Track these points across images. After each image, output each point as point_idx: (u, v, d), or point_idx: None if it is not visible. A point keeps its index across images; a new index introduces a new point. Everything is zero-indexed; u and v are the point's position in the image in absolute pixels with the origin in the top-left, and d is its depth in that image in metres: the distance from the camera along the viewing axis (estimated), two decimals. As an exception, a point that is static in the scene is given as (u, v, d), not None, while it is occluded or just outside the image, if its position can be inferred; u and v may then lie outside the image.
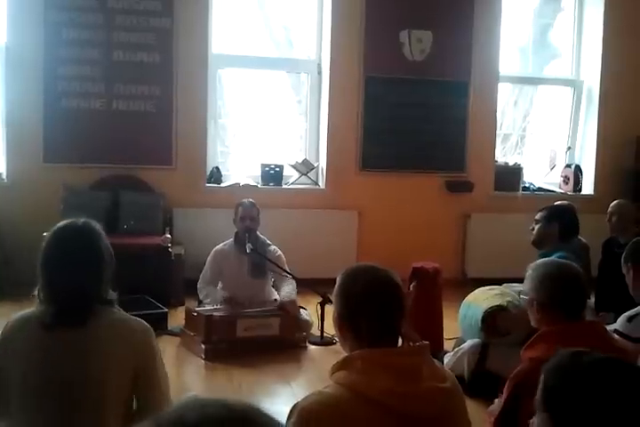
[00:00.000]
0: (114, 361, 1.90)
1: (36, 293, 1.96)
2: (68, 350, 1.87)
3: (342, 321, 1.73)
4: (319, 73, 6.40)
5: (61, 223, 2.00)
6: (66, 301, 1.90)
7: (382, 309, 1.69)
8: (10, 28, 5.60)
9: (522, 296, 2.50)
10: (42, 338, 1.88)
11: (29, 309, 2.00)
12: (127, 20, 5.76)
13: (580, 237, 4.15)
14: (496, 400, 2.39)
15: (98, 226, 2.03)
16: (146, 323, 2.02)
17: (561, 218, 3.86)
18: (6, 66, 5.65)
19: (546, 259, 2.60)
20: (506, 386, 2.21)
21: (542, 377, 1.36)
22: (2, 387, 1.89)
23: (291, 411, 1.58)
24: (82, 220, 2.01)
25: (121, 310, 2.03)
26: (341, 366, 1.64)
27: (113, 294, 2.02)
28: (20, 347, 1.89)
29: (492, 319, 3.48)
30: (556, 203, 4.34)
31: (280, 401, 3.48)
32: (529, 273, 2.38)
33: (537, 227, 3.86)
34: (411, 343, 1.70)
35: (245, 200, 4.64)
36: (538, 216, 3.90)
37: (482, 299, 3.65)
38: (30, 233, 5.22)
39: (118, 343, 1.91)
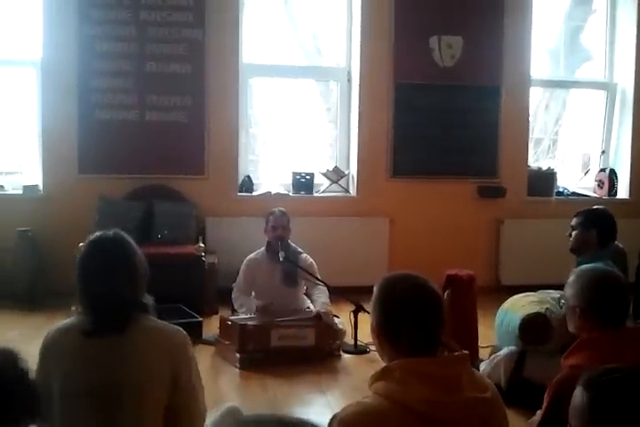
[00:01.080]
0: (152, 365, 1.95)
1: (74, 307, 2.02)
2: (107, 356, 1.93)
3: (381, 330, 1.72)
4: (349, 80, 6.41)
5: (93, 235, 2.10)
6: (104, 308, 1.97)
7: (422, 318, 1.68)
8: (45, 42, 5.72)
9: (562, 302, 2.47)
10: (82, 345, 1.94)
11: (69, 319, 2.06)
12: (159, 32, 5.83)
13: (616, 242, 4.07)
14: (538, 412, 2.35)
15: (127, 235, 2.12)
16: (182, 329, 2.08)
17: (599, 223, 3.76)
18: (42, 79, 5.76)
19: (589, 265, 2.56)
20: (546, 394, 2.18)
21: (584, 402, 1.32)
22: (43, 395, 1.93)
23: (330, 422, 1.57)
24: (112, 231, 2.11)
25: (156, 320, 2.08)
26: (380, 376, 1.63)
27: (149, 299, 2.08)
28: (61, 355, 1.96)
29: (530, 326, 3.43)
30: (590, 207, 4.22)
31: (315, 411, 3.47)
32: (571, 279, 2.35)
33: (574, 233, 3.75)
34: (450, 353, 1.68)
35: (276, 209, 4.66)
36: (574, 222, 3.81)
37: (519, 306, 3.60)
38: (66, 244, 5.31)
39: (155, 349, 1.97)
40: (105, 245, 2.07)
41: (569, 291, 2.35)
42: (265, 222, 4.63)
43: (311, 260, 4.63)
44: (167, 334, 2.03)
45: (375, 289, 1.77)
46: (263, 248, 4.64)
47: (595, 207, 4.07)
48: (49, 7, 5.69)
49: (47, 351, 1.99)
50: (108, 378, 1.91)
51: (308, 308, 4.58)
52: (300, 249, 4.66)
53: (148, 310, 2.05)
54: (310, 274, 4.52)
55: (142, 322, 2.00)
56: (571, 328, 2.37)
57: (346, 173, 6.36)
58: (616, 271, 2.42)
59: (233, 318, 4.34)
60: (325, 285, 4.56)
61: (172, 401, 1.98)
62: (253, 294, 4.63)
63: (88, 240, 2.09)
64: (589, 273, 2.35)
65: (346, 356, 4.31)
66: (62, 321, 2.07)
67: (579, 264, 3.51)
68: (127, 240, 2.09)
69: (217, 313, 4.97)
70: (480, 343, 4.05)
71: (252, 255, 4.67)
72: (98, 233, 2.10)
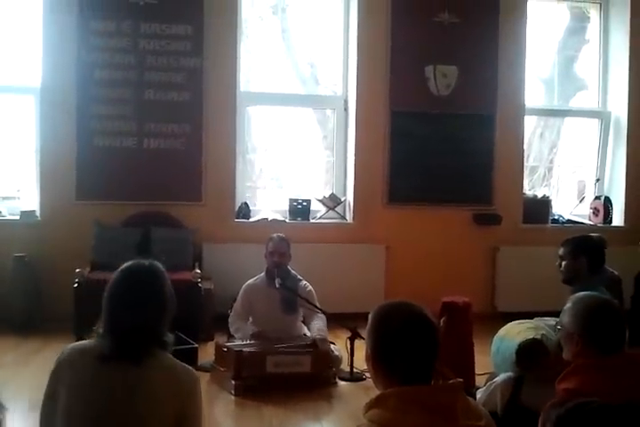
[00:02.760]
0: (159, 402, 1.93)
1: (95, 327, 2.02)
2: (117, 384, 1.91)
3: (375, 358, 1.73)
4: (345, 109, 6.48)
5: (129, 262, 2.07)
6: (125, 336, 1.95)
7: (417, 347, 1.68)
8: (44, 69, 5.78)
9: (558, 327, 2.48)
10: (95, 369, 1.93)
11: (88, 340, 2.05)
12: (158, 61, 5.91)
13: (611, 269, 4.08)
14: None
15: (162, 268, 2.09)
16: (195, 372, 2.06)
17: (586, 251, 3.77)
18: (41, 106, 5.82)
19: (584, 293, 2.58)
20: (540, 419, 2.18)
21: None
22: (50, 413, 1.95)
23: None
24: (148, 261, 2.08)
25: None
26: (374, 404, 1.63)
27: (170, 337, 2.05)
28: (72, 376, 1.94)
29: (527, 352, 3.42)
30: (575, 236, 4.20)
31: (311, 439, 3.45)
32: (568, 306, 2.36)
33: (564, 264, 3.75)
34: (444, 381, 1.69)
35: (275, 235, 4.66)
36: (561, 252, 3.79)
37: (515, 332, 3.59)
38: (63, 270, 5.32)
39: (166, 388, 1.94)
40: (140, 274, 2.04)
41: (565, 318, 2.36)
42: (265, 248, 4.64)
43: (310, 287, 4.62)
44: (180, 375, 1.99)
45: (370, 317, 1.78)
46: (263, 274, 4.64)
47: (580, 235, 4.06)
48: (49, 34, 5.77)
49: (60, 368, 1.97)
50: (114, 407, 1.89)
51: (305, 335, 4.56)
52: (299, 276, 4.66)
53: (166, 348, 2.02)
54: (309, 302, 4.51)
55: (158, 358, 1.98)
56: (566, 356, 2.37)
57: (342, 199, 6.39)
58: (611, 299, 2.43)
59: (229, 344, 4.32)
60: (324, 313, 4.54)
61: None
62: (250, 319, 4.62)
63: (123, 266, 2.06)
64: (585, 300, 2.37)
65: (342, 383, 4.28)
66: (81, 341, 2.06)
67: (573, 293, 3.52)
68: (161, 272, 2.06)
69: (213, 339, 4.95)
70: (477, 371, 4.04)
71: (251, 281, 4.67)
72: (133, 261, 2.07)
